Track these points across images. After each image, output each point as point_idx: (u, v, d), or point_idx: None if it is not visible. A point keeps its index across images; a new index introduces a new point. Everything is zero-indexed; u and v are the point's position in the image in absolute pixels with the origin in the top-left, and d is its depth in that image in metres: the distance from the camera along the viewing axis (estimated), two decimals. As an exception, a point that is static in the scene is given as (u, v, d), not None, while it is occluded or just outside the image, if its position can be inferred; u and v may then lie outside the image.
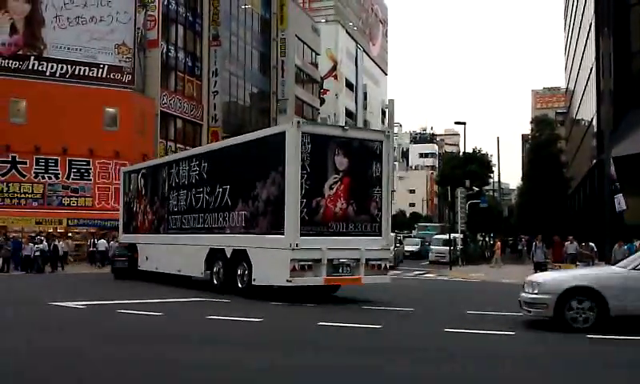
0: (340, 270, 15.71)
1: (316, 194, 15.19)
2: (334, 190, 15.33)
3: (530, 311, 11.82)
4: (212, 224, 18.87)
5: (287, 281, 15.16)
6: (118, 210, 30.37)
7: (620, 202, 23.10)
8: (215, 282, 18.23)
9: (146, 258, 23.73)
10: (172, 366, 8.29)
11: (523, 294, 11.91)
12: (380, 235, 16.22)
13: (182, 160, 21.39)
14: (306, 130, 15.31)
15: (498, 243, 41.05)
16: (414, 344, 10.39)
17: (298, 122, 15.93)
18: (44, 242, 29.89)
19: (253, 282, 16.46)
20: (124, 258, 24.68)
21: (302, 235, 15.16)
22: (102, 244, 33.30)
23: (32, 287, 21.52)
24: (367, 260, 15.95)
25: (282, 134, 15.68)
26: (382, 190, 15.99)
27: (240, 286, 17.01)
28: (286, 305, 15.29)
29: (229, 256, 17.55)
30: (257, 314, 13.12)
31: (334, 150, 15.37)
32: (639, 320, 11.38)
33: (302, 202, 15.01)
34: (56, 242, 30.90)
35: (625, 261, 11.77)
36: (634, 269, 11.28)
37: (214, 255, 18.39)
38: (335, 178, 15.39)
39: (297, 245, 15.06)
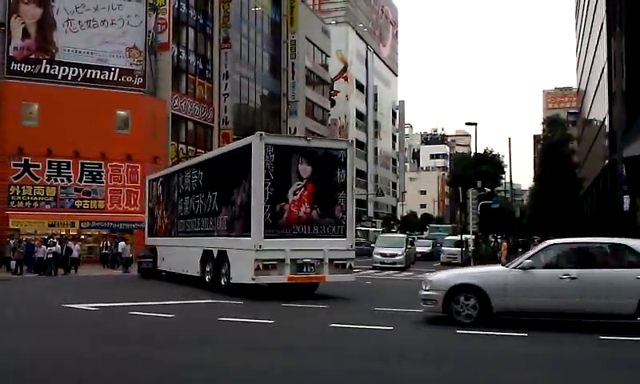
0: (304, 269, 16.83)
1: (280, 200, 16.37)
2: (298, 195, 16.50)
3: (425, 307, 12.58)
4: (205, 227, 20.29)
5: (252, 279, 16.42)
6: (129, 213, 36.97)
7: (625, 202, 23.02)
8: (207, 280, 19.54)
9: (163, 259, 25.29)
10: (173, 367, 8.32)
11: (420, 291, 12.66)
12: (345, 237, 17.30)
13: (186, 168, 23.12)
14: (269, 142, 16.53)
15: (505, 244, 40.92)
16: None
17: (261, 135, 16.98)
18: (57, 245, 30.04)
19: (230, 281, 17.73)
20: (149, 258, 26.54)
21: (266, 237, 16.36)
22: (122, 246, 33.18)
23: (45, 289, 21.63)
24: (331, 260, 17.04)
25: (249, 146, 16.90)
26: (346, 195, 17.08)
27: (222, 283, 18.24)
28: (295, 306, 15.35)
29: (215, 256, 18.88)
30: (267, 316, 13.17)
31: (297, 159, 16.58)
32: (519, 315, 12.09)
33: (265, 207, 16.23)
34: (68, 244, 31.05)
35: (516, 261, 12.38)
36: (514, 268, 11.90)
37: (206, 256, 19.68)
38: (299, 184, 16.59)
39: (260, 246, 16.30)
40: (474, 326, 11.47)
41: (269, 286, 17.43)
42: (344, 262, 17.35)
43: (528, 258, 11.99)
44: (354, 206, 18.06)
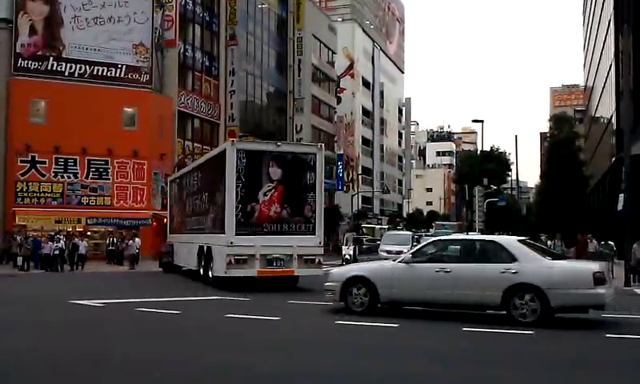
0: (274, 264, 18.23)
1: (251, 200, 17.78)
2: (269, 196, 17.90)
3: (327, 297, 13.71)
4: (201, 225, 21.85)
5: (225, 272, 18.02)
6: (135, 209, 38.29)
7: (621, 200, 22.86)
8: (201, 273, 20.82)
9: (176, 254, 27.18)
10: (173, 366, 8.34)
11: (324, 283, 13.88)
12: (314, 234, 18.64)
13: (190, 171, 24.91)
14: (240, 147, 18.04)
15: None
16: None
17: (232, 141, 19.10)
18: (62, 241, 30.11)
19: (214, 274, 19.28)
20: (170, 254, 28.15)
21: (237, 234, 17.78)
22: (138, 243, 33.08)
23: (51, 285, 21.72)
24: (300, 255, 18.40)
25: (224, 151, 18.47)
26: (315, 196, 18.42)
27: (210, 277, 19.76)
28: (301, 303, 15.39)
29: (205, 252, 20.42)
30: (274, 313, 13.22)
31: (268, 162, 17.94)
32: (404, 305, 13.24)
33: (237, 207, 17.62)
34: (75, 241, 31.13)
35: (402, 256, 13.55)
36: (400, 262, 12.95)
37: (201, 252, 21.04)
38: (269, 186, 17.96)
39: (231, 242, 17.79)
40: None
41: (245, 278, 18.36)
42: (313, 257, 18.66)
43: (411, 253, 13.12)
44: (323, 206, 19.31)
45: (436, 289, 12.31)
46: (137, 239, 33.40)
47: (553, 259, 12.42)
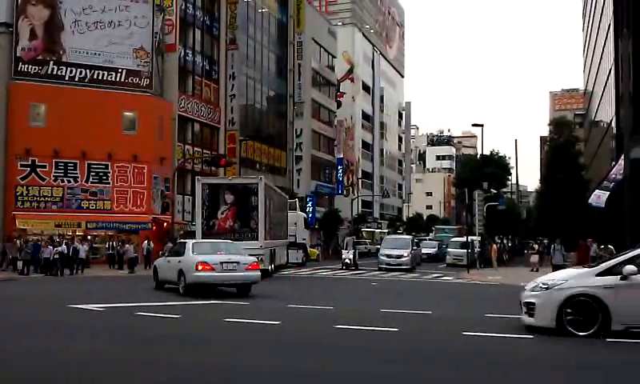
0: None
1: (212, 217, 24.58)
2: (225, 214, 24.57)
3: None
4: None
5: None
6: (135, 213, 38.32)
7: (600, 196, 22.84)
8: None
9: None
10: (173, 368, 8.34)
11: None
12: (257, 240, 24.91)
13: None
14: (204, 182, 25.49)
15: (495, 247, 41.02)
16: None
17: (198, 178, 26.77)
18: (63, 245, 30.09)
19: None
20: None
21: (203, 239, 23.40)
22: (148, 247, 33.94)
23: (51, 290, 21.70)
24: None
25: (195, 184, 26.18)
26: (258, 213, 24.68)
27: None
28: (300, 307, 15.38)
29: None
30: (273, 317, 13.18)
31: (223, 191, 24.66)
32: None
33: (203, 223, 24.52)
34: (75, 245, 31.09)
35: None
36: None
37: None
38: (224, 207, 24.64)
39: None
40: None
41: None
42: (256, 255, 22.21)
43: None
44: (265, 219, 25.25)
45: None
46: (151, 243, 33.80)
47: None
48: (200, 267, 17.76)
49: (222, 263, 17.94)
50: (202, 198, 24.71)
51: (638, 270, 10.67)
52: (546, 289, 11.31)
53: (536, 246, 41.17)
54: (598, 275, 11.04)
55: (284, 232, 33.63)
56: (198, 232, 24.44)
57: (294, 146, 61.43)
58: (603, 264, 11.57)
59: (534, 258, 37.32)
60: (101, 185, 37.93)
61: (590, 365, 9.20)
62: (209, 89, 47.80)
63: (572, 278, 11.39)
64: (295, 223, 38.73)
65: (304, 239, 41.98)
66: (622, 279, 10.69)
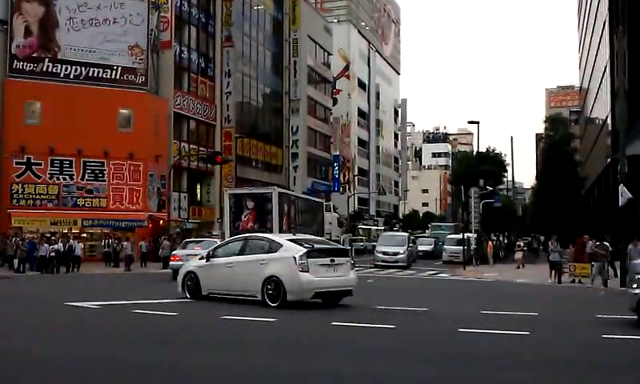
0: None
1: (237, 220, 26.91)
2: (247, 218, 27.00)
3: None
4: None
5: None
6: (131, 211, 38.46)
7: (623, 192, 22.78)
8: None
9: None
10: (172, 367, 8.33)
11: None
12: None
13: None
14: (231, 192, 28.34)
15: (490, 244, 41.15)
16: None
17: (226, 189, 30.82)
18: (59, 243, 30.05)
19: None
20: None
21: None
22: (143, 243, 34.84)
23: (47, 287, 21.67)
24: None
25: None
26: (272, 216, 26.42)
27: None
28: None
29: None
30: (270, 315, 13.18)
31: (245, 199, 27.26)
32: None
33: (231, 224, 26.81)
34: (71, 242, 31.05)
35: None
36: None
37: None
38: (247, 212, 27.04)
39: None
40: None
41: None
42: None
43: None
44: (278, 221, 27.09)
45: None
46: (166, 241, 33.75)
47: None
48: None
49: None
50: (229, 205, 27.76)
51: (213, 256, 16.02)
52: None
53: (521, 244, 41.14)
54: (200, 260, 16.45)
55: (314, 231, 33.92)
56: (227, 232, 26.97)
57: (290, 144, 61.43)
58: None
59: (518, 255, 37.48)
60: (96, 182, 37.87)
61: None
62: (204, 86, 47.73)
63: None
64: (330, 223, 44.65)
65: (337, 236, 46.89)
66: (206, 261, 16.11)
